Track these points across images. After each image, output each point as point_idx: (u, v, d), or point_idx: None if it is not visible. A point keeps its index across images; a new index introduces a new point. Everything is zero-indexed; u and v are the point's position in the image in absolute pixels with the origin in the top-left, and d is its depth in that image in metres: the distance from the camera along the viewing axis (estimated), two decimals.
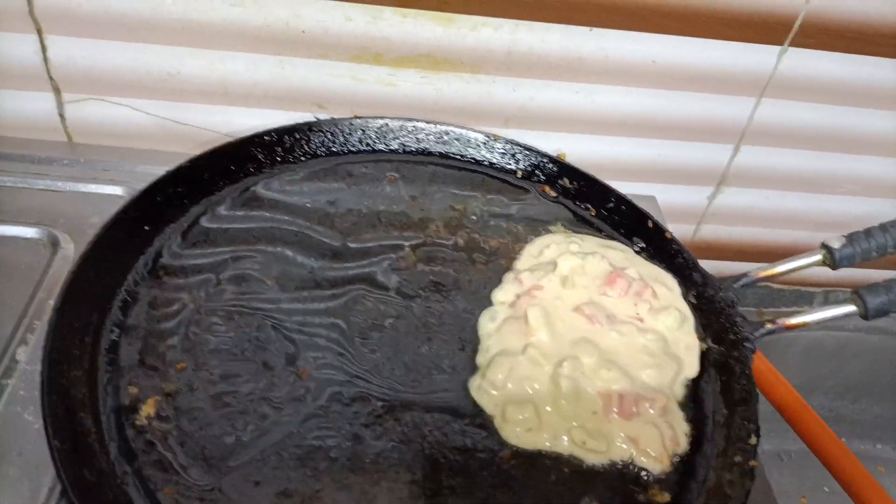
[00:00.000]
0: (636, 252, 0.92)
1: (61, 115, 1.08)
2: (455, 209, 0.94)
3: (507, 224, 0.94)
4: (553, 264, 0.85)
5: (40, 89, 1.05)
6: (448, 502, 0.65)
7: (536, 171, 1.01)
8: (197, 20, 0.99)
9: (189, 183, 0.87)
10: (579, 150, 1.16)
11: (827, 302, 1.48)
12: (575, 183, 0.99)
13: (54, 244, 0.90)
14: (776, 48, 1.10)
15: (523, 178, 1.01)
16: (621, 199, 0.95)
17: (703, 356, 0.80)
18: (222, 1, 0.98)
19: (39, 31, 0.99)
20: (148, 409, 0.66)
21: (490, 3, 1.01)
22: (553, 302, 0.81)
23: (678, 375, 0.77)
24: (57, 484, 0.66)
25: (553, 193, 0.99)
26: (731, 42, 1.08)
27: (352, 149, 1.00)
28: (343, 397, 0.71)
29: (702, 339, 0.82)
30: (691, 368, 0.79)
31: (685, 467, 0.70)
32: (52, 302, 0.69)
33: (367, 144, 1.00)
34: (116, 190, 0.98)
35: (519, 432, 0.70)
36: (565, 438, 0.70)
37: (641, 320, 0.81)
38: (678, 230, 1.33)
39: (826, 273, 1.45)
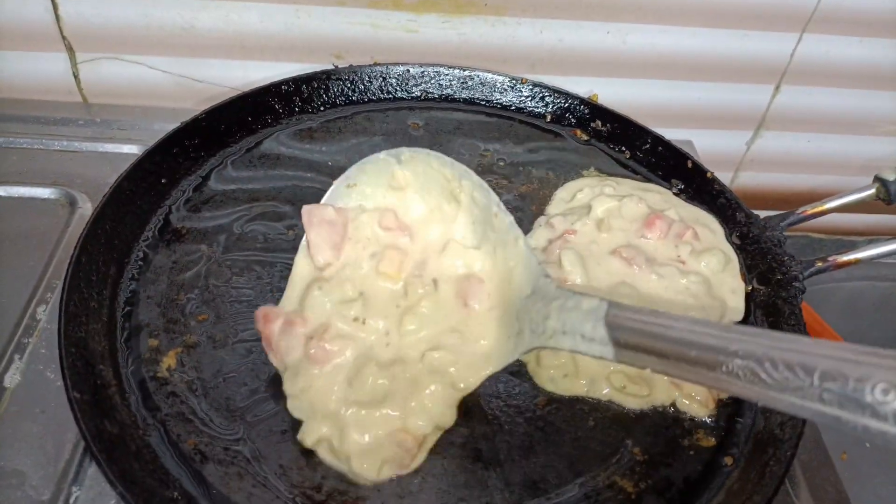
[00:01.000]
0: (675, 194, 0.87)
1: (75, 76, 1.05)
2: (482, 156, 0.90)
3: (537, 170, 0.89)
4: (587, 208, 0.81)
5: (54, 49, 1.03)
6: (482, 448, 0.62)
7: (567, 115, 0.96)
8: None
9: (205, 135, 0.85)
10: (611, 94, 1.10)
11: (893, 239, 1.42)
12: (608, 125, 0.94)
13: (72, 204, 0.88)
14: None
15: (553, 121, 0.96)
16: (658, 140, 0.91)
17: (749, 298, 0.76)
18: None
19: None
20: (169, 360, 0.64)
21: None
22: (588, 246, 0.77)
23: (722, 318, 0.73)
24: (80, 441, 0.64)
25: (585, 137, 0.95)
26: None
27: (372, 97, 0.96)
28: None
29: (747, 280, 0.77)
30: (737, 311, 0.75)
31: (732, 411, 0.67)
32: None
33: (388, 92, 0.96)
34: (133, 149, 0.96)
35: (554, 378, 0.66)
36: (604, 383, 0.66)
37: (683, 262, 0.77)
38: None
39: (870, 220, 1.40)
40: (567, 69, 1.09)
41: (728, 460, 0.63)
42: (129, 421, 0.59)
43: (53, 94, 1.06)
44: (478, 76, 0.97)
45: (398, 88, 0.97)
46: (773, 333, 0.41)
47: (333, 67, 0.95)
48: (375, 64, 0.96)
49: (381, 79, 0.96)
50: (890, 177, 0.77)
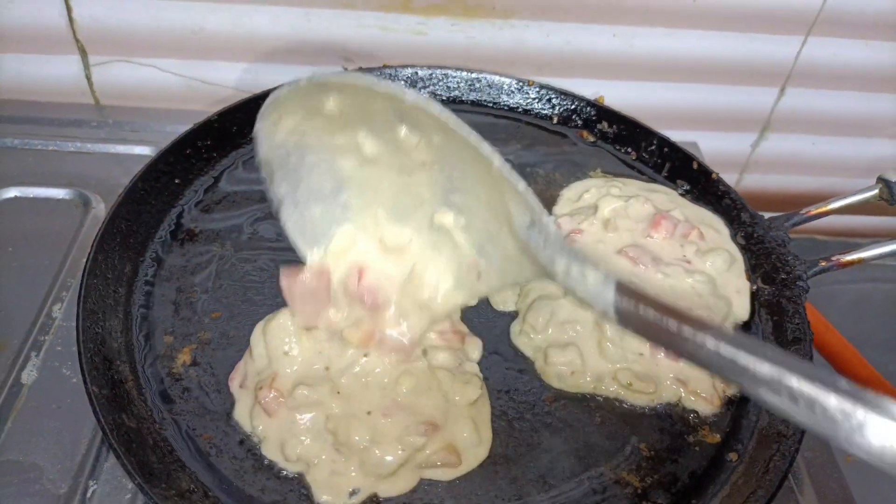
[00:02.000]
0: (681, 195, 0.88)
1: (88, 78, 1.07)
2: None
3: (544, 171, 0.90)
4: (593, 208, 0.82)
5: (67, 52, 1.04)
6: (490, 444, 0.63)
7: (573, 116, 0.97)
8: None
9: (217, 136, 0.86)
10: (617, 96, 1.11)
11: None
12: (614, 126, 0.95)
13: (86, 204, 0.89)
14: None
15: (560, 123, 0.97)
16: (664, 141, 0.91)
17: (753, 297, 0.77)
18: None
19: None
20: (184, 356, 0.65)
21: None
22: (595, 245, 0.78)
23: (727, 317, 0.74)
24: (96, 436, 0.66)
25: (591, 138, 0.96)
26: None
27: None
28: None
29: (751, 279, 0.78)
30: (742, 311, 0.76)
31: (736, 408, 0.68)
32: (85, 259, 0.69)
33: None
34: (145, 150, 0.97)
35: (562, 375, 0.67)
36: (610, 381, 0.67)
37: (689, 262, 0.78)
38: None
39: (874, 222, 1.40)
40: (574, 71, 1.10)
41: (733, 456, 0.64)
42: (146, 415, 0.60)
43: (67, 97, 1.07)
44: (485, 78, 0.98)
45: None
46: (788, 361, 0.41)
47: (343, 70, 0.96)
48: (384, 66, 0.97)
49: (389, 81, 0.97)
50: (893, 177, 0.78)
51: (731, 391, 0.69)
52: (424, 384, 0.62)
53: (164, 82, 1.08)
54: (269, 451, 0.59)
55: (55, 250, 0.83)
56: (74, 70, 1.06)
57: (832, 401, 0.36)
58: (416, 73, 0.98)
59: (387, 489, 0.58)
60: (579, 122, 0.97)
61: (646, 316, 0.45)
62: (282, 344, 0.63)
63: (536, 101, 0.98)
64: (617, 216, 0.80)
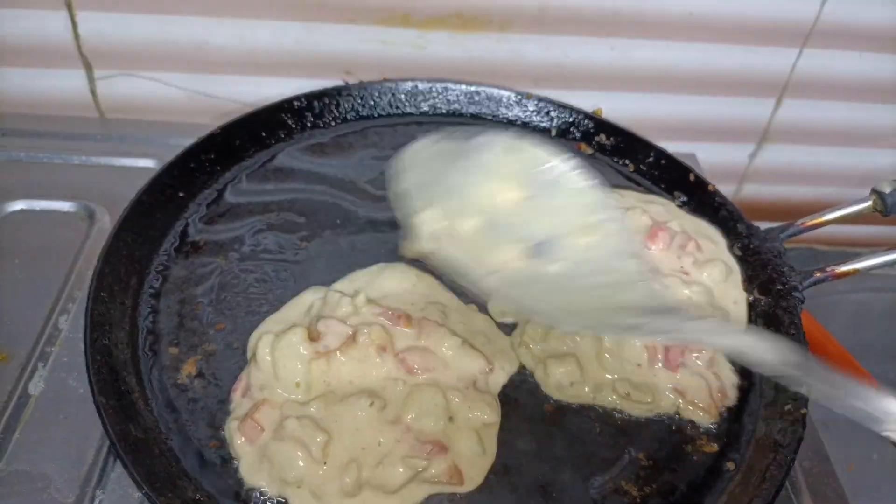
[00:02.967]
0: (678, 206, 0.89)
1: (93, 92, 1.08)
2: None
3: None
4: None
5: (72, 66, 1.06)
6: (494, 459, 0.64)
7: (571, 129, 0.98)
8: None
9: (221, 150, 0.87)
10: (615, 108, 1.12)
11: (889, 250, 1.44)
12: (612, 139, 0.96)
13: (91, 217, 0.90)
14: None
15: (558, 136, 0.99)
16: (661, 154, 0.93)
17: (750, 308, 0.78)
18: None
19: (69, 7, 1.00)
20: (189, 367, 0.66)
21: None
22: None
23: None
24: (102, 446, 0.67)
25: (589, 151, 0.97)
26: None
27: (382, 113, 0.99)
28: None
29: (748, 290, 0.79)
30: (739, 321, 0.77)
31: (734, 418, 0.68)
32: (91, 272, 0.70)
33: (397, 108, 0.99)
34: (149, 163, 0.98)
35: (561, 386, 0.68)
36: (609, 391, 0.68)
37: (686, 273, 0.79)
38: None
39: (872, 231, 1.41)
40: (572, 84, 1.12)
41: (730, 465, 0.65)
42: (152, 425, 0.61)
43: (72, 110, 1.09)
44: (484, 91, 1.00)
45: (407, 104, 0.99)
46: None
47: (344, 83, 0.97)
48: (385, 80, 0.99)
49: (390, 94, 0.98)
50: (886, 189, 0.79)
51: (729, 402, 0.70)
52: (431, 404, 0.63)
53: (168, 96, 1.10)
54: (244, 471, 0.60)
55: (61, 262, 0.84)
56: (79, 84, 1.08)
57: None
58: (417, 86, 0.99)
59: None
60: (577, 134, 0.98)
61: None
62: (290, 363, 0.64)
63: (535, 113, 0.99)
64: None
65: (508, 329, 0.74)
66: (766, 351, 0.52)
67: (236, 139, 0.89)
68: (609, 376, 0.69)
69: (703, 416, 0.68)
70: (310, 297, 0.73)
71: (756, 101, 1.18)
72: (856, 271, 0.77)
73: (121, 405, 0.61)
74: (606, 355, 0.69)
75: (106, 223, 0.90)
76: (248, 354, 0.67)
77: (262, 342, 0.65)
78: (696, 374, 0.70)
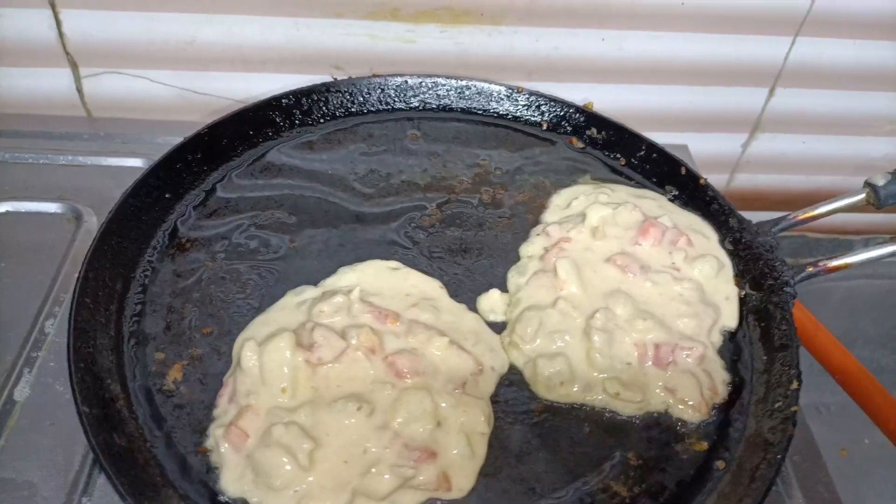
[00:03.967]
0: (669, 200, 0.88)
1: (79, 91, 1.07)
2: (479, 165, 0.92)
3: (534, 178, 0.91)
4: (582, 216, 0.82)
5: (57, 65, 1.04)
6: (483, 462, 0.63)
7: (562, 122, 0.98)
8: None
9: (207, 149, 0.86)
10: (607, 100, 1.11)
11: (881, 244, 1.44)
12: (603, 132, 0.95)
13: (78, 218, 0.90)
14: None
15: (549, 129, 0.98)
16: (652, 147, 0.92)
17: (742, 303, 0.78)
18: None
19: (53, 6, 0.99)
20: (175, 373, 0.66)
21: None
22: (583, 254, 0.78)
23: (716, 323, 0.74)
24: (89, 453, 0.66)
25: (580, 144, 0.96)
26: None
27: (371, 108, 0.98)
28: None
29: (740, 285, 0.79)
30: (730, 318, 0.76)
31: (724, 415, 0.68)
32: (77, 274, 0.70)
33: (387, 103, 0.98)
34: (137, 162, 0.97)
35: (550, 385, 0.68)
36: (599, 390, 0.68)
37: (677, 269, 0.78)
38: (711, 180, 1.27)
39: (866, 219, 1.41)
40: (564, 76, 1.11)
41: (720, 464, 0.65)
42: (137, 433, 0.61)
43: (58, 109, 1.08)
44: (475, 86, 0.99)
45: (397, 99, 0.98)
46: None
47: (333, 80, 0.97)
48: (374, 76, 0.98)
49: (379, 90, 0.97)
50: (880, 182, 0.79)
51: (719, 399, 0.69)
52: (419, 410, 0.63)
53: (155, 93, 1.09)
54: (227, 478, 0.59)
55: (47, 265, 0.83)
56: (65, 82, 1.06)
57: None
58: (406, 81, 0.98)
59: None
60: (568, 128, 0.97)
61: None
62: (277, 368, 0.63)
63: (526, 108, 0.99)
64: (605, 224, 0.80)
65: (498, 328, 0.74)
66: None
67: (224, 138, 0.88)
68: (599, 375, 0.69)
69: (694, 413, 0.68)
70: (298, 297, 0.73)
71: (749, 90, 1.17)
72: (848, 265, 0.77)
73: (105, 414, 0.60)
74: (596, 354, 0.69)
75: (93, 224, 0.89)
76: (235, 359, 0.66)
77: (249, 347, 0.65)
78: (687, 371, 0.69)
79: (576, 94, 1.10)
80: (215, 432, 0.61)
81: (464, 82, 0.99)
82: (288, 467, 0.57)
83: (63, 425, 0.68)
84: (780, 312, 0.74)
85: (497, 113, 0.99)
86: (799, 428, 0.79)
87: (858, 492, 1.43)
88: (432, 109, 0.99)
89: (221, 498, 0.58)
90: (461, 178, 0.90)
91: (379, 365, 0.66)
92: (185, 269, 0.75)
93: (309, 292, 0.73)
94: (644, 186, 0.91)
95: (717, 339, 0.74)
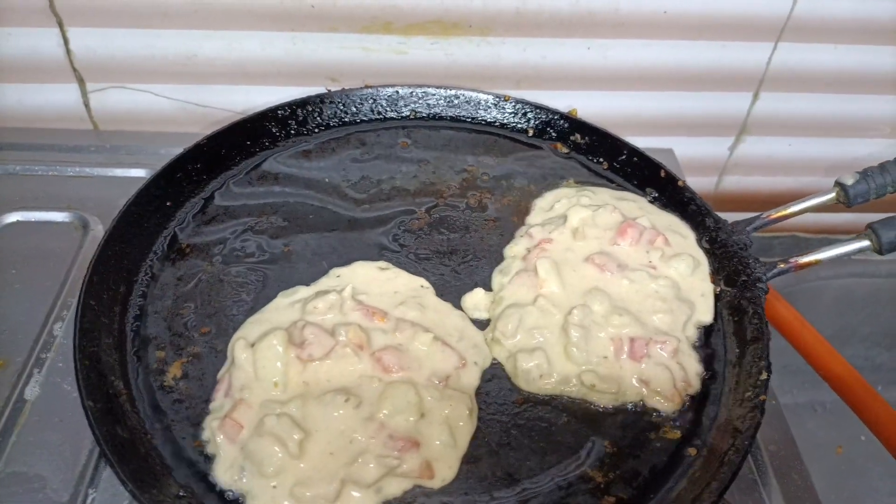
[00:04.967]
0: (650, 202, 0.92)
1: (86, 105, 1.12)
2: (467, 171, 0.96)
3: (519, 182, 0.95)
4: (564, 217, 0.86)
5: (65, 81, 1.09)
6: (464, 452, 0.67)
7: (548, 129, 1.01)
8: (210, 2, 1.02)
9: (206, 159, 0.90)
10: (594, 106, 1.15)
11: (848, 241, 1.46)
12: (586, 137, 0.99)
13: (85, 227, 0.94)
14: None
15: (535, 136, 1.01)
16: (633, 151, 0.95)
17: (717, 299, 0.81)
18: None
19: (60, 25, 1.03)
20: (175, 370, 0.70)
21: None
22: (563, 254, 0.82)
23: (690, 318, 0.77)
24: (95, 447, 0.70)
25: (565, 150, 1.00)
26: None
27: (364, 118, 1.02)
28: None
29: (715, 282, 0.82)
30: (706, 313, 0.79)
31: (697, 406, 0.71)
32: None
33: (379, 113, 1.02)
34: (141, 172, 1.02)
35: (530, 379, 0.71)
36: (575, 382, 0.71)
37: (654, 268, 0.81)
38: (700, 183, 1.31)
39: (853, 218, 1.43)
40: (551, 84, 1.14)
41: (692, 451, 0.68)
42: (139, 426, 0.65)
43: (66, 123, 1.12)
44: (463, 95, 1.03)
45: (388, 109, 1.02)
46: None
47: (327, 91, 1.01)
48: (366, 86, 1.02)
49: (371, 100, 1.01)
50: (849, 181, 0.82)
51: (692, 390, 0.72)
52: (403, 402, 0.66)
53: (159, 106, 1.13)
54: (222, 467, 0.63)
55: (56, 271, 0.88)
56: (73, 97, 1.11)
57: None
58: (397, 92, 1.02)
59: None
60: (553, 134, 1.01)
61: None
62: (269, 364, 0.67)
63: (512, 115, 1.02)
64: (585, 225, 0.84)
65: (483, 325, 0.78)
66: None
67: (222, 148, 0.93)
68: (576, 368, 0.72)
69: (667, 404, 0.71)
70: (290, 298, 0.77)
71: (734, 94, 1.20)
72: (818, 262, 0.80)
73: (108, 408, 0.64)
74: (574, 349, 0.72)
75: (99, 232, 0.93)
76: (230, 356, 0.70)
77: (243, 345, 0.69)
78: (661, 364, 0.72)
79: (563, 101, 1.13)
80: (211, 424, 0.65)
81: (453, 92, 1.03)
82: (279, 455, 0.61)
83: (70, 422, 0.72)
84: (753, 307, 0.77)
85: (485, 120, 1.03)
86: (778, 421, 0.83)
87: (854, 489, 1.44)
88: (423, 118, 1.03)
89: (217, 485, 0.62)
90: (449, 184, 0.94)
91: (366, 360, 0.69)
92: (185, 272, 0.79)
93: (301, 292, 0.77)
94: (625, 189, 0.94)
95: (692, 333, 0.77)
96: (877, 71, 1.18)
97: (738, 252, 0.82)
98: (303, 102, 0.99)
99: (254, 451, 0.62)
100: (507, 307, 0.76)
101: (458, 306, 0.79)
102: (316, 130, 0.99)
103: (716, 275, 0.83)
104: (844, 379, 0.89)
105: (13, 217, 0.93)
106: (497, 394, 0.71)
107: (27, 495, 0.66)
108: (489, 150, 0.99)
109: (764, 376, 0.70)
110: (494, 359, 0.74)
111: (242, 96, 1.13)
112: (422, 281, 0.80)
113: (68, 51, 1.06)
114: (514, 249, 0.84)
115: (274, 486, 0.60)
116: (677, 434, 0.69)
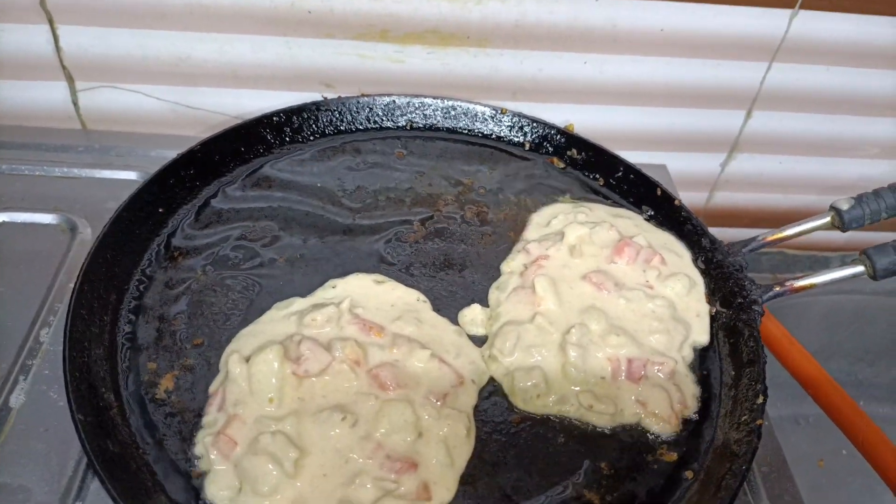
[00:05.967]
0: (646, 220, 0.92)
1: (75, 104, 1.10)
2: (463, 183, 0.95)
3: (516, 196, 0.94)
4: (561, 234, 0.85)
5: (54, 79, 1.07)
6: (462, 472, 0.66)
7: (544, 143, 1.01)
8: (204, 4, 1.01)
9: (200, 165, 0.89)
10: (590, 121, 1.16)
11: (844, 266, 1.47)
12: (583, 153, 0.99)
13: (72, 229, 0.92)
14: (787, 11, 1.09)
15: (531, 150, 1.01)
16: (630, 169, 0.96)
17: (713, 320, 0.81)
18: None
19: (51, 21, 1.01)
20: (167, 383, 0.68)
21: None
22: (561, 271, 0.81)
23: (686, 339, 0.78)
24: (82, 458, 0.69)
25: (561, 165, 0.99)
26: (740, 7, 1.07)
27: (359, 127, 1.01)
28: None
29: (711, 303, 0.82)
30: (701, 334, 0.80)
31: (693, 428, 0.71)
32: (72, 285, 0.72)
33: (375, 122, 1.01)
34: (131, 175, 1.00)
35: (527, 398, 0.71)
36: (573, 402, 0.71)
37: (650, 287, 0.81)
38: (692, 198, 1.32)
39: (843, 237, 1.45)
40: (547, 97, 1.14)
41: (689, 474, 0.68)
42: (130, 440, 0.64)
43: (54, 122, 1.10)
44: (460, 106, 1.02)
45: (384, 118, 1.02)
46: None
47: (323, 99, 0.99)
48: (363, 95, 1.01)
49: (367, 109, 1.01)
50: (844, 206, 0.82)
51: (689, 412, 0.72)
52: (400, 421, 0.65)
53: (149, 108, 1.11)
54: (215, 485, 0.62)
55: (42, 275, 0.86)
56: (62, 96, 1.09)
57: None
58: (394, 101, 1.02)
59: None
60: (550, 149, 1.01)
61: None
62: (264, 379, 0.66)
63: (509, 128, 1.02)
64: (582, 242, 0.84)
65: (480, 341, 0.77)
66: None
67: (216, 154, 0.91)
68: (573, 388, 0.72)
69: (664, 426, 0.71)
70: (286, 310, 0.76)
71: (727, 112, 1.21)
72: (813, 286, 0.80)
73: (99, 421, 0.63)
74: (571, 368, 0.72)
75: (87, 235, 0.91)
76: (224, 369, 0.69)
77: (237, 358, 0.67)
78: (658, 385, 0.72)
79: (558, 114, 1.13)
80: (205, 440, 0.63)
81: (450, 103, 1.02)
82: (275, 474, 0.60)
83: (57, 431, 0.70)
84: (749, 329, 0.77)
85: (482, 133, 1.02)
86: (769, 439, 0.83)
87: (836, 502, 1.46)
88: (419, 128, 1.02)
89: (210, 503, 0.61)
90: (445, 196, 0.93)
91: (363, 377, 0.69)
92: (177, 281, 0.78)
93: (297, 304, 0.76)
94: (621, 206, 0.94)
95: (689, 354, 0.77)
96: (868, 93, 1.20)
97: (733, 273, 0.82)
98: (299, 109, 0.98)
99: (248, 469, 0.61)
100: (505, 324, 0.76)
101: (454, 321, 0.78)
102: (311, 138, 0.98)
103: (711, 296, 0.83)
104: (829, 394, 0.89)
105: None
106: (494, 412, 0.71)
107: None
108: (485, 163, 0.99)
109: (760, 400, 0.70)
110: (491, 377, 0.73)
111: (234, 100, 1.12)
112: (418, 294, 0.79)
113: (58, 48, 1.04)
114: (511, 265, 0.83)
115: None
116: (674, 456, 0.69)
